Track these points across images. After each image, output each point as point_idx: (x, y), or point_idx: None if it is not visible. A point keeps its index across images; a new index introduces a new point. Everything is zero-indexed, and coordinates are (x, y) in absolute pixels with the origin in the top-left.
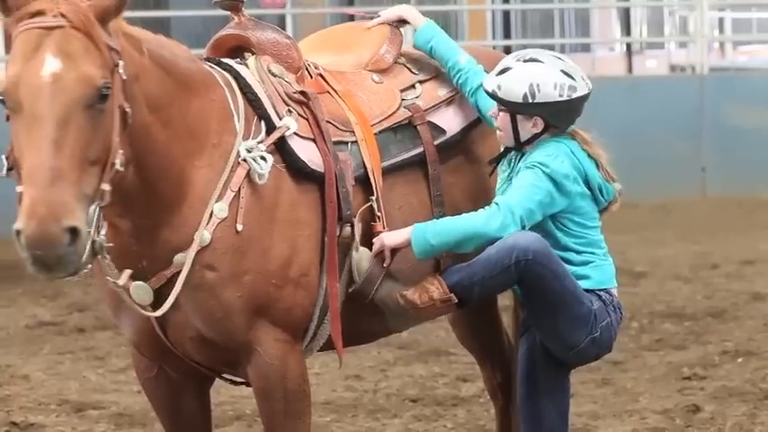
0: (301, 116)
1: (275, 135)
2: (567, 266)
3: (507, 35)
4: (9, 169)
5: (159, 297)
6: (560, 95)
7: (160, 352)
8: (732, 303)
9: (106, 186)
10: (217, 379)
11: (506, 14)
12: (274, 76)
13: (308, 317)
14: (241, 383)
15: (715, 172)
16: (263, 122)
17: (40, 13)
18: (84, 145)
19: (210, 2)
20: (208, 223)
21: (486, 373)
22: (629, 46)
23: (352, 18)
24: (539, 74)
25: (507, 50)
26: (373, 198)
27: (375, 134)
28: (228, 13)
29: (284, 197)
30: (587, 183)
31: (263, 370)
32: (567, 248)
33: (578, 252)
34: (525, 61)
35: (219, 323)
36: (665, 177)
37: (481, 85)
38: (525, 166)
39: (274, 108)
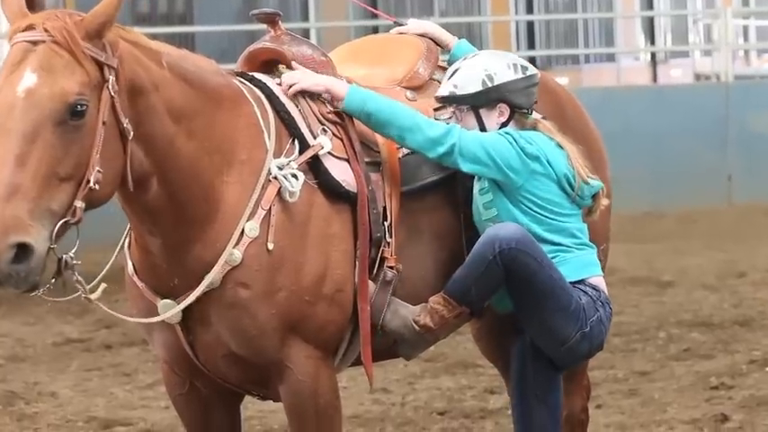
0: (336, 136)
1: (308, 153)
2: None
3: (531, 46)
4: None
5: (189, 316)
6: (516, 73)
7: (192, 369)
8: (759, 312)
9: (79, 203)
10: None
11: (530, 25)
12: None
13: (341, 333)
14: (269, 399)
15: (741, 180)
16: (296, 142)
17: (30, 28)
18: (52, 161)
19: (235, 17)
20: (238, 243)
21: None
22: (653, 55)
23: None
24: (489, 61)
25: (532, 61)
26: (387, 224)
27: (408, 154)
28: (256, 27)
29: (316, 212)
30: (552, 170)
31: (294, 387)
32: (536, 237)
33: (547, 241)
34: (470, 58)
35: (253, 341)
36: (690, 186)
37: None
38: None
39: (309, 127)
